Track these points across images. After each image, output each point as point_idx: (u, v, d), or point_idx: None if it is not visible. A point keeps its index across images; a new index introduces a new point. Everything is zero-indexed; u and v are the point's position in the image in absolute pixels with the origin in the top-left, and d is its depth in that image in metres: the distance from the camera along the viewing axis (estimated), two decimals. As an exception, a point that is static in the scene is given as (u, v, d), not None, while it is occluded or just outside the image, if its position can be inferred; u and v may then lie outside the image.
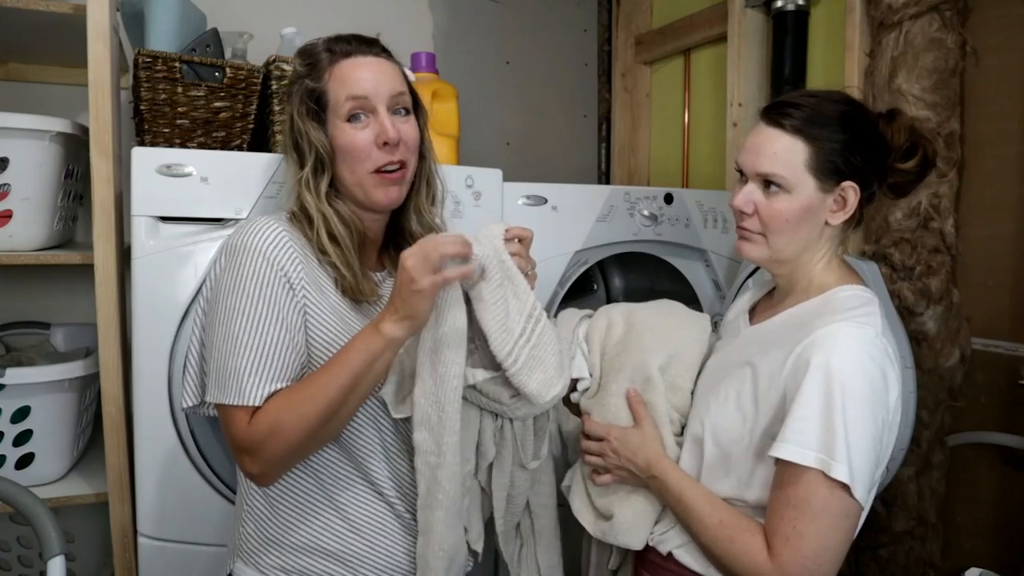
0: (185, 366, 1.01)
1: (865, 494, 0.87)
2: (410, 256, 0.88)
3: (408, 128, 1.02)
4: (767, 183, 0.98)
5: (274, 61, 1.45)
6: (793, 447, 0.87)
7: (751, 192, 0.99)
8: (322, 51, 1.01)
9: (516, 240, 1.03)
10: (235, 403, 0.90)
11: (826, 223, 0.98)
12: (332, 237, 0.99)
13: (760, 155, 0.98)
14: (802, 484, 0.87)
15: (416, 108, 1.07)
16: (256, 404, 0.90)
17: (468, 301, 0.96)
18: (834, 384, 0.87)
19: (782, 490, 0.89)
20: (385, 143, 0.99)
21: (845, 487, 0.86)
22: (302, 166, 1.00)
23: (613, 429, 1.10)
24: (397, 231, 1.11)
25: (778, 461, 0.89)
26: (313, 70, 1.00)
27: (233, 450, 0.94)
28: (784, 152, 0.96)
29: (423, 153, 1.08)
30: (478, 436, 1.05)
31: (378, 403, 1.00)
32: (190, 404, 1.01)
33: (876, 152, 0.98)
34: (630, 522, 1.07)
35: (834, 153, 0.95)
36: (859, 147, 0.96)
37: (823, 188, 0.96)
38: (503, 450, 1.07)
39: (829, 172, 0.96)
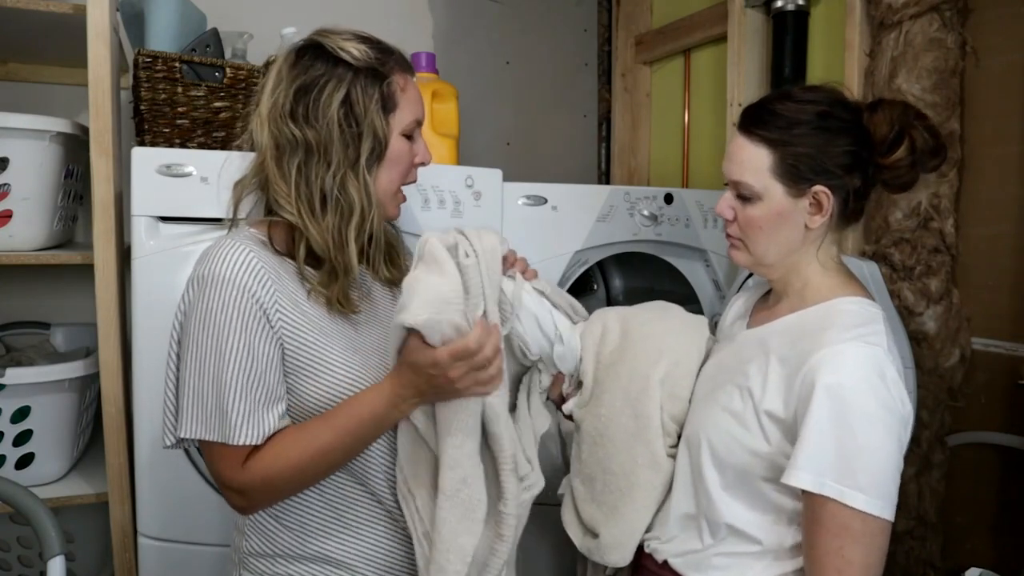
0: (164, 402, 0.97)
1: (893, 512, 0.86)
2: (454, 366, 0.85)
3: None
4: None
5: (274, 61, 1.44)
6: (811, 476, 0.85)
7: (730, 198, 1.00)
8: (384, 53, 0.98)
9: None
10: (218, 440, 0.89)
11: (806, 226, 0.96)
12: (368, 232, 0.97)
13: (731, 162, 0.98)
14: (832, 513, 0.85)
15: None
16: (244, 443, 0.88)
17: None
18: (846, 408, 0.85)
19: (816, 521, 0.87)
20: (421, 163, 1.03)
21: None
22: (357, 151, 0.95)
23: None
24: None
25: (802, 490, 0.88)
26: (387, 68, 0.97)
27: (220, 485, 0.93)
28: (750, 160, 0.95)
29: None
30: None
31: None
32: (171, 443, 0.96)
33: (854, 151, 0.94)
34: (616, 541, 1.06)
35: (799, 158, 0.93)
36: (831, 149, 0.93)
37: (792, 193, 0.94)
38: None
39: (795, 177, 0.94)
